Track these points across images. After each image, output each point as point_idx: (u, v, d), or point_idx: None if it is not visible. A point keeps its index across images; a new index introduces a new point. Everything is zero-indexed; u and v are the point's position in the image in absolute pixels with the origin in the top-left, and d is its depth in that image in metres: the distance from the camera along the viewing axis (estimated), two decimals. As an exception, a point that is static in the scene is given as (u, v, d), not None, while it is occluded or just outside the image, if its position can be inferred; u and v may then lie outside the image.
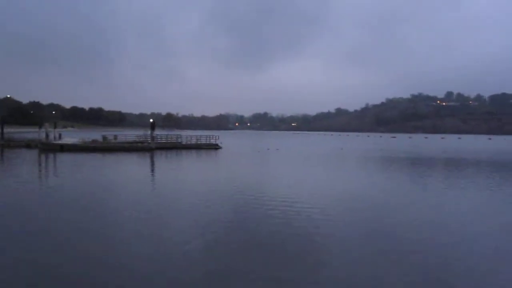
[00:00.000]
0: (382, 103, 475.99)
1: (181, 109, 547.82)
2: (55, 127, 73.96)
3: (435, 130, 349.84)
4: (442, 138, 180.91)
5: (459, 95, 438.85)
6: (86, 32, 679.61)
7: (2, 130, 71.05)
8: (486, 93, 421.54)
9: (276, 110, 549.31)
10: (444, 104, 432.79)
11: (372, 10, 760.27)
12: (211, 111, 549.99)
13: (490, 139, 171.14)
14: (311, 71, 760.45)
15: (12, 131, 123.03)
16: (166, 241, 12.25)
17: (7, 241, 12.02)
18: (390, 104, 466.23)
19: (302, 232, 13.42)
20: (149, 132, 63.72)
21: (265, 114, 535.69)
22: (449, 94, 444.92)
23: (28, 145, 60.39)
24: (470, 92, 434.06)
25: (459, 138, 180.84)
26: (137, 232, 13.28)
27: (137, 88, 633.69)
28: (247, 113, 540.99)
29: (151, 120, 65.99)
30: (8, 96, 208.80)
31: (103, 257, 10.73)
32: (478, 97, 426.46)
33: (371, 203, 18.94)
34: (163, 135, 72.65)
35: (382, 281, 9.24)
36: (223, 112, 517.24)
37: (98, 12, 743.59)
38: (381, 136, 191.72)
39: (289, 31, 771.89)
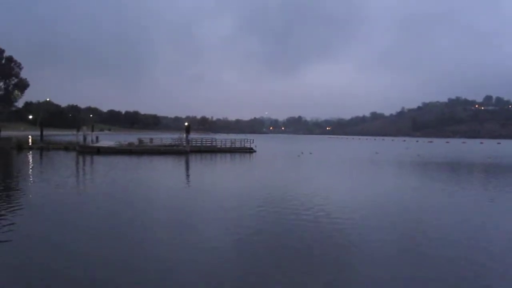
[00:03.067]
0: (419, 107, 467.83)
1: (215, 113, 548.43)
2: (92, 130, 75.25)
3: (473, 134, 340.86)
4: (481, 143, 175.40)
5: (498, 99, 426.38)
6: (122, 40, 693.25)
7: (42, 132, 72.77)
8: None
9: (310, 114, 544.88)
10: (482, 108, 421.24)
11: (404, 12, 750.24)
12: (246, 115, 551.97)
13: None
14: (346, 74, 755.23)
15: (51, 133, 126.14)
16: (198, 247, 11.92)
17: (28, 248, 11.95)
18: (427, 108, 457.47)
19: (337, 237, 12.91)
20: (184, 135, 63.99)
21: (299, 118, 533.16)
22: (488, 98, 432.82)
23: (67, 147, 61.39)
24: (510, 96, 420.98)
25: (499, 143, 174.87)
26: (169, 236, 13.04)
27: (172, 92, 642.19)
28: (281, 117, 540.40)
29: (186, 124, 66.34)
30: (48, 99, 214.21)
31: (134, 262, 10.50)
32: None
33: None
34: (198, 139, 73.02)
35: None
36: (257, 116, 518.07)
37: (134, 20, 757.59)
38: (417, 141, 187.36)
39: (322, 35, 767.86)
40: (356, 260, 11.09)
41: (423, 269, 10.40)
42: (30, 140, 71.00)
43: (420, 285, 9.36)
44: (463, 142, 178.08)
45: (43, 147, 61.66)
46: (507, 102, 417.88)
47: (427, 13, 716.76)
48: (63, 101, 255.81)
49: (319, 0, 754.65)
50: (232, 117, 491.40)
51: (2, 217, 15.19)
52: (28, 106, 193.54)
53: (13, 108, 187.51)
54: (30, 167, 36.45)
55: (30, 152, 55.17)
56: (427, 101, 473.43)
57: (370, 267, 10.48)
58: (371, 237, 13.42)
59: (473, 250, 12.18)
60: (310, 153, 64.91)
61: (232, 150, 64.77)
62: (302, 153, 65.43)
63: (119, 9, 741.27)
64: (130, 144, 62.38)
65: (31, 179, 27.34)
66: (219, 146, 66.63)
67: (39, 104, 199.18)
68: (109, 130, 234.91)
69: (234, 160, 49.16)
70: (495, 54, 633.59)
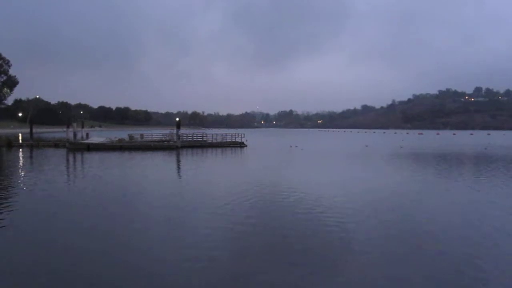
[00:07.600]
0: (409, 100, 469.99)
1: (206, 108, 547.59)
2: (82, 127, 74.89)
3: (463, 126, 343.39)
4: (471, 134, 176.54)
5: (488, 90, 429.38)
6: (112, 36, 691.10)
7: (31, 129, 72.29)
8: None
9: (301, 107, 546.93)
10: (472, 99, 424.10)
11: (395, 6, 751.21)
12: (237, 110, 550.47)
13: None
14: (337, 68, 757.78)
15: (41, 130, 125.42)
16: (191, 246, 11.87)
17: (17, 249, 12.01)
18: (417, 100, 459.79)
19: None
20: (175, 130, 63.94)
21: (291, 112, 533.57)
22: (477, 90, 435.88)
23: (56, 144, 61.15)
24: (500, 87, 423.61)
25: (489, 134, 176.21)
26: (161, 235, 13.02)
27: (162, 88, 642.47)
28: (272, 111, 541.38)
29: (177, 119, 66.22)
30: (38, 96, 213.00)
31: (126, 262, 10.52)
32: (508, 92, 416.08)
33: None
34: (189, 134, 72.94)
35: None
36: (248, 110, 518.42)
37: (123, 16, 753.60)
38: (408, 133, 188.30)
39: (311, 28, 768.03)
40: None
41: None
42: (20, 138, 70.57)
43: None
44: (454, 134, 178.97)
45: (33, 145, 61.31)
46: (497, 93, 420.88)
47: (416, 6, 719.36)
48: (53, 98, 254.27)
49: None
50: (223, 112, 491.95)
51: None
52: (18, 103, 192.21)
53: (2, 106, 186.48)
54: (20, 164, 36.26)
55: (20, 149, 54.87)
56: (417, 93, 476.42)
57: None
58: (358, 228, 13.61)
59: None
60: (296, 147, 65.01)
61: (223, 145, 64.87)
62: (290, 146, 65.49)
63: (108, 5, 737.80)
64: (120, 140, 62.19)
65: (21, 177, 27.27)
66: (210, 141, 66.57)
67: (28, 101, 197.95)
68: (100, 126, 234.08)
69: (225, 154, 49.17)
70: (483, 46, 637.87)
